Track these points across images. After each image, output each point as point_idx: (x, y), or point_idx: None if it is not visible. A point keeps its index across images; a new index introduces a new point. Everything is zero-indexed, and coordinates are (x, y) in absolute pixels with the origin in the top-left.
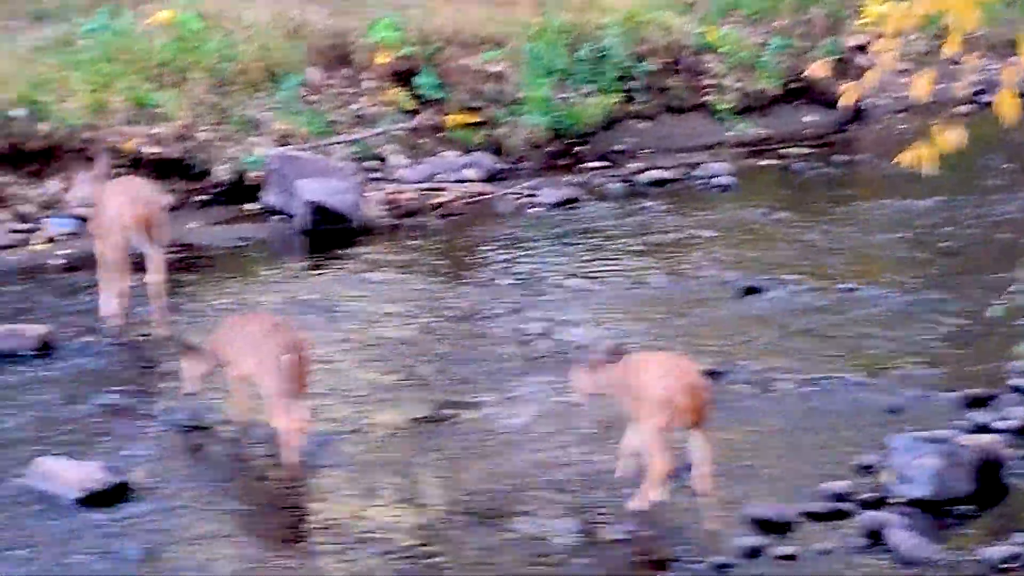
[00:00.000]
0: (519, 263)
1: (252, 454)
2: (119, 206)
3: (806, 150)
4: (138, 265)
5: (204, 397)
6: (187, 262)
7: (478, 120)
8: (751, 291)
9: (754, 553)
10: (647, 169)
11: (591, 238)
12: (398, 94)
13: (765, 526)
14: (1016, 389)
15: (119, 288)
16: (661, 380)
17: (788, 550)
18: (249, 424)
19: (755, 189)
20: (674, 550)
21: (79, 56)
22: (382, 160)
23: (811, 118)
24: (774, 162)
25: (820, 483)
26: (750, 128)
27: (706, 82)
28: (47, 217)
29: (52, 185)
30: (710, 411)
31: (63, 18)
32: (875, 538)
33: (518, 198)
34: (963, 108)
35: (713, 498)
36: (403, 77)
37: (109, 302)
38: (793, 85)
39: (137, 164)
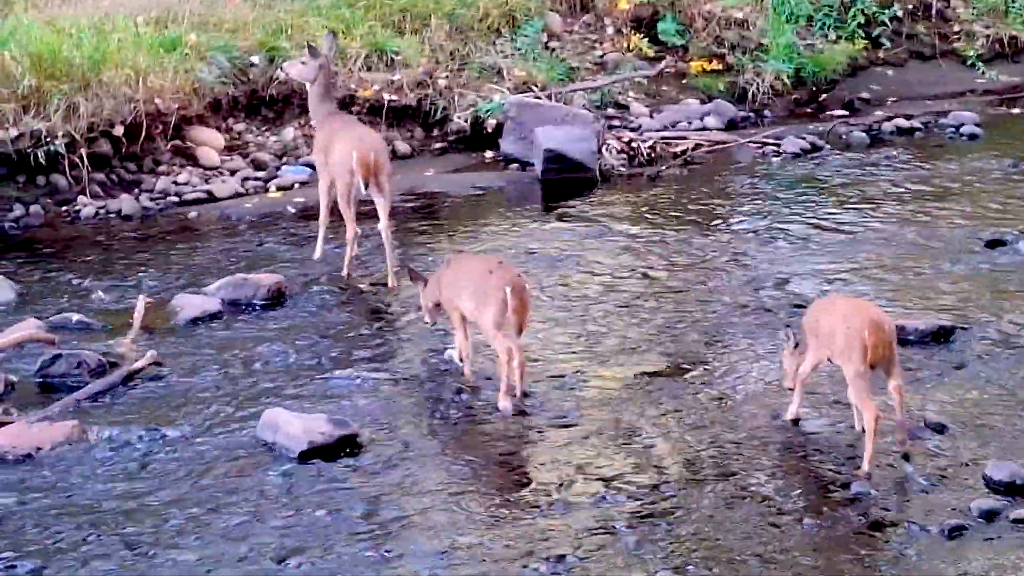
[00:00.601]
0: (758, 214)
1: (479, 407)
2: (344, 152)
3: None
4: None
5: (433, 349)
6: (423, 210)
7: (720, 67)
8: (996, 244)
9: (990, 516)
10: (892, 118)
11: (832, 188)
12: (640, 40)
13: (1003, 488)
14: None
15: (348, 235)
16: (845, 322)
17: None
18: (467, 369)
19: (1004, 139)
20: (907, 511)
21: (318, 1)
22: (623, 108)
23: None
24: None
25: None
26: (1000, 76)
27: (955, 28)
28: (283, 165)
29: (288, 133)
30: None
31: None
32: None
33: (760, 147)
34: None
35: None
36: (645, 23)
37: (322, 248)
38: None
39: (375, 111)
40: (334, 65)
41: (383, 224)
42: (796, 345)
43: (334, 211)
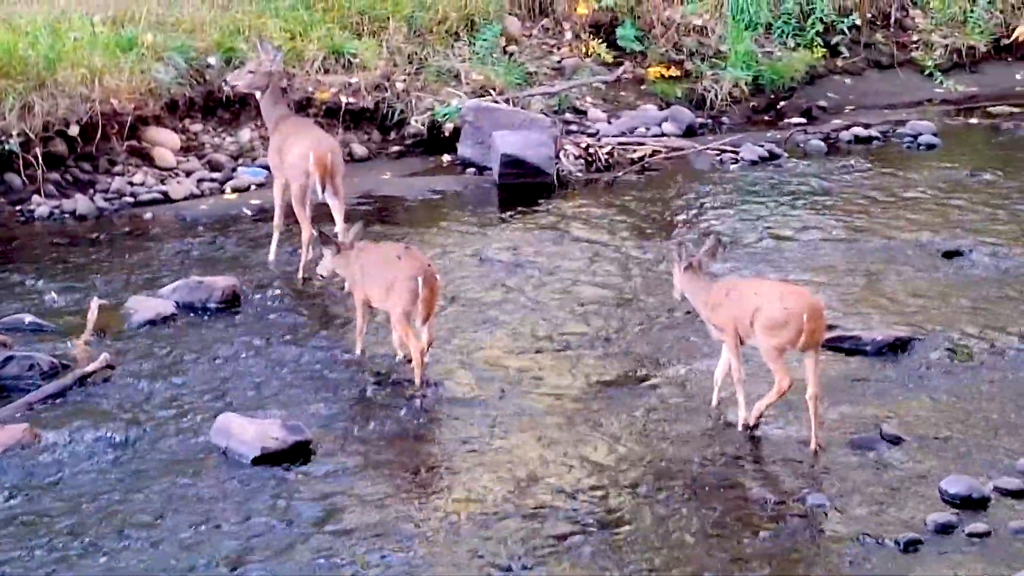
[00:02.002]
0: (715, 221)
1: (433, 413)
2: (301, 154)
3: (1016, 109)
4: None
5: (387, 354)
6: (379, 214)
7: (679, 74)
8: (952, 254)
9: (946, 529)
10: (850, 126)
11: (790, 196)
12: (598, 46)
13: (958, 501)
14: None
15: (304, 237)
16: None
17: (981, 527)
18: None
19: (961, 149)
20: (863, 524)
21: (276, 3)
22: (581, 113)
23: (1022, 76)
24: (982, 121)
25: (1018, 458)
26: (958, 86)
27: (914, 38)
28: (239, 167)
29: (244, 134)
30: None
31: None
32: None
33: (718, 154)
34: None
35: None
36: (604, 29)
37: (276, 251)
38: (1004, 42)
39: (332, 113)
40: (285, 68)
41: (340, 227)
42: (688, 266)
43: (289, 214)
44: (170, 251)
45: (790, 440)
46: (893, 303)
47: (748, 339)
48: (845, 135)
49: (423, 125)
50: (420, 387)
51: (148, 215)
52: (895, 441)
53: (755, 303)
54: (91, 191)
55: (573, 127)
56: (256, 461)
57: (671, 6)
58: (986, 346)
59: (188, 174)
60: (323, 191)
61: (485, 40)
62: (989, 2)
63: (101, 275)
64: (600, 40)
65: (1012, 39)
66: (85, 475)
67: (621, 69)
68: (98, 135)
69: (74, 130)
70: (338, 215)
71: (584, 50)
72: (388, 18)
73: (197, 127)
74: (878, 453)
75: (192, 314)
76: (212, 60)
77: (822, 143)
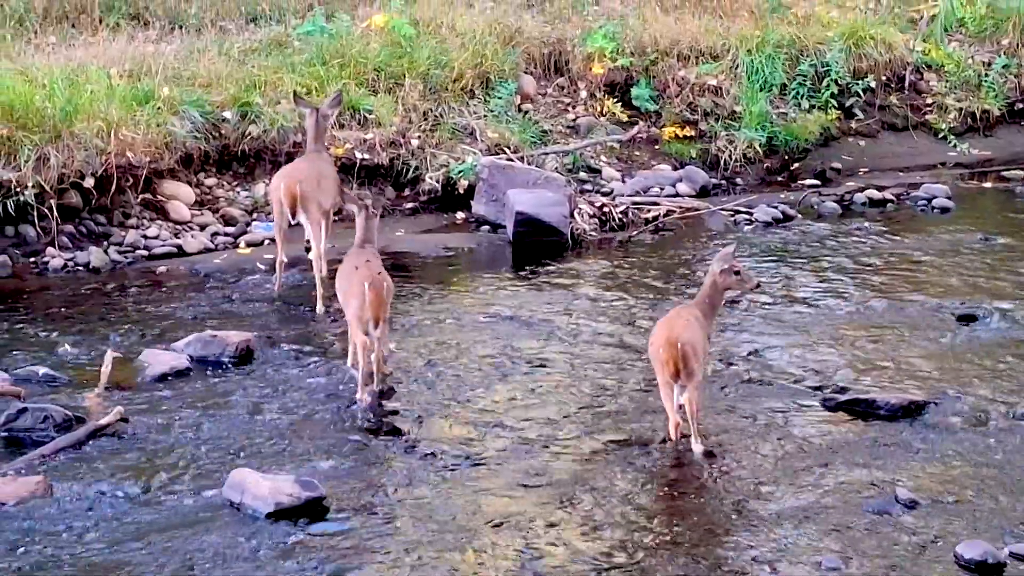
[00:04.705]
0: None
1: (446, 469)
2: (273, 183)
3: None
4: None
5: (400, 411)
6: (393, 270)
7: (693, 134)
8: (967, 319)
9: None
10: (864, 188)
11: (803, 258)
12: (613, 105)
13: (974, 567)
14: None
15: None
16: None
17: None
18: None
19: (975, 213)
20: None
21: (292, 58)
22: (595, 172)
23: None
24: (996, 185)
25: None
26: (972, 149)
27: (928, 101)
28: (253, 221)
29: (259, 189)
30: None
31: (277, 20)
32: None
33: (732, 215)
34: None
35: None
36: (619, 88)
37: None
38: (1019, 106)
39: (347, 169)
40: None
41: (313, 252)
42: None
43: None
44: (184, 305)
45: (803, 504)
46: (907, 366)
47: None
48: (859, 197)
49: (438, 182)
50: (362, 389)
51: (162, 268)
52: (910, 505)
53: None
54: (105, 243)
55: (587, 186)
56: (270, 516)
57: (686, 66)
58: (1001, 410)
59: (202, 228)
60: (293, 217)
61: (500, 98)
62: (1004, 66)
63: (115, 328)
64: (615, 99)
65: None
66: (98, 528)
67: (636, 129)
68: (113, 188)
69: (89, 182)
70: (314, 242)
71: (599, 109)
72: (404, 75)
73: (212, 181)
74: (893, 517)
75: (206, 368)
76: (228, 114)
77: (836, 205)
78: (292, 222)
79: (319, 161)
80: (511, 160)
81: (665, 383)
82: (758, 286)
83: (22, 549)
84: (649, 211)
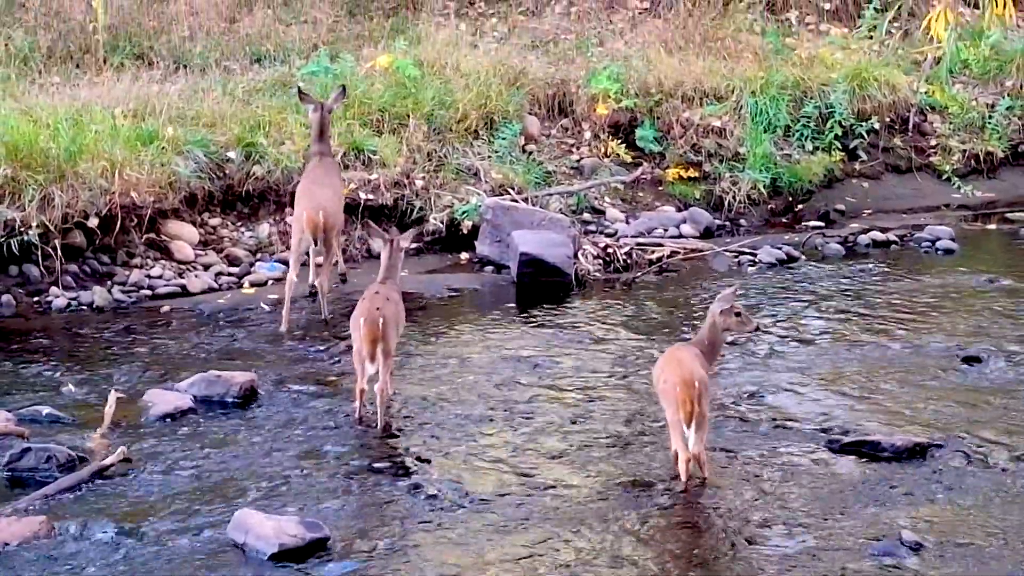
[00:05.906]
0: None
1: (452, 507)
2: (298, 210)
3: None
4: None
5: (406, 448)
6: None
7: (697, 175)
8: (972, 360)
9: None
10: (868, 230)
11: (808, 300)
12: (617, 146)
13: None
14: None
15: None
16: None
17: None
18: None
19: (979, 254)
20: None
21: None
22: (599, 213)
23: None
24: (1000, 227)
25: None
26: (976, 191)
27: (932, 142)
28: (257, 261)
29: (263, 229)
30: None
31: (281, 60)
32: None
33: (735, 256)
34: None
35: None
36: (623, 129)
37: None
38: (1023, 148)
39: (351, 209)
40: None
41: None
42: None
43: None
44: (188, 345)
45: (807, 546)
46: (912, 408)
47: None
48: (863, 239)
49: (442, 222)
50: (358, 422)
51: (166, 308)
52: (915, 547)
53: None
54: (109, 283)
55: (591, 227)
56: (273, 558)
57: (690, 108)
58: (1007, 452)
59: (206, 268)
60: (316, 244)
61: (504, 139)
62: (1008, 108)
63: (118, 368)
64: (619, 140)
65: None
66: (101, 569)
67: (640, 170)
68: (117, 227)
69: (93, 222)
70: (325, 260)
71: (603, 150)
72: (408, 116)
73: (216, 221)
74: (898, 559)
75: (210, 408)
76: (232, 154)
77: (840, 247)
78: (315, 247)
79: (331, 175)
80: (515, 201)
81: (677, 422)
82: (757, 328)
83: None
84: (653, 252)
